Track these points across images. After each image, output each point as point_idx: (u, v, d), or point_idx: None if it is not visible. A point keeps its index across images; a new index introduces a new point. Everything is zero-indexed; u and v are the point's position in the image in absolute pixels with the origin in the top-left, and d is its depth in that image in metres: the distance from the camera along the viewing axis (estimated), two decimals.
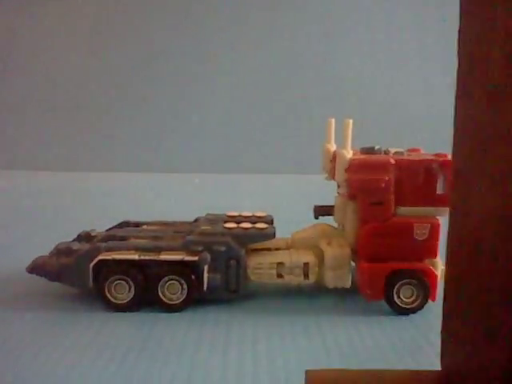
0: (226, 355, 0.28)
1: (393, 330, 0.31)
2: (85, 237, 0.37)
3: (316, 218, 0.38)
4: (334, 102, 1.05)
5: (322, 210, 0.38)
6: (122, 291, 0.33)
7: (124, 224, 0.40)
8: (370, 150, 0.35)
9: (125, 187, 0.80)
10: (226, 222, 0.36)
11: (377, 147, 0.35)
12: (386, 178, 0.32)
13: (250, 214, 0.38)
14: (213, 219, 0.38)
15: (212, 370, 0.26)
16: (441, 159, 0.33)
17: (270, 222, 0.38)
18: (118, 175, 0.90)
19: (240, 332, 0.31)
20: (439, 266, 0.34)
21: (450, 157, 0.33)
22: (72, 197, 0.72)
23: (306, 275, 0.35)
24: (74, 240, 0.37)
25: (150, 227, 0.39)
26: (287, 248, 0.36)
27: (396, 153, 0.35)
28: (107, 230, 0.38)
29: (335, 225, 0.38)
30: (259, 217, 0.38)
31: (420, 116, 1.11)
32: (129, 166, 0.97)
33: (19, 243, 0.48)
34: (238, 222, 0.36)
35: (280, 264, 0.35)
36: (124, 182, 0.84)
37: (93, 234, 0.38)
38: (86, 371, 0.26)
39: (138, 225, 0.39)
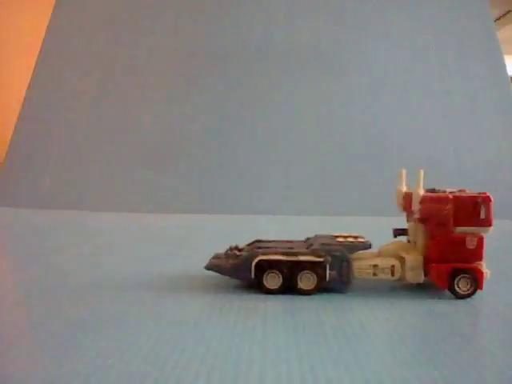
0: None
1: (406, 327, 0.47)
2: (235, 248, 0.55)
3: (395, 237, 0.55)
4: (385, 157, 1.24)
5: (399, 232, 0.55)
6: (274, 281, 0.50)
7: (257, 241, 0.57)
8: (432, 190, 0.52)
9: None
10: (335, 237, 0.53)
11: (436, 188, 0.53)
12: (448, 207, 0.49)
13: (348, 234, 0.55)
14: (322, 237, 0.55)
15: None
16: (483, 196, 0.50)
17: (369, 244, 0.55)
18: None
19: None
20: (484, 267, 0.50)
21: (488, 194, 0.50)
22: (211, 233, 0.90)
23: (393, 274, 0.51)
24: (227, 250, 0.55)
25: (277, 243, 0.56)
26: (377, 257, 0.53)
27: (451, 192, 0.52)
28: (248, 245, 0.56)
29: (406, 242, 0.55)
30: (355, 236, 0.55)
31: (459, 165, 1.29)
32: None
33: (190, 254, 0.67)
34: (345, 237, 0.53)
35: (375, 266, 0.51)
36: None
37: (240, 246, 0.55)
38: (246, 339, 0.38)
39: (267, 242, 0.57)
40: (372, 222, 0.93)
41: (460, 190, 0.53)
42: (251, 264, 0.50)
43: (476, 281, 0.49)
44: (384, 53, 1.45)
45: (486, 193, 0.50)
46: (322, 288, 0.50)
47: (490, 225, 0.50)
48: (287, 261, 0.50)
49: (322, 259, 0.50)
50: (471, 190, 0.53)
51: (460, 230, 0.50)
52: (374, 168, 1.31)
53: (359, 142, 1.35)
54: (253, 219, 1.08)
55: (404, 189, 0.56)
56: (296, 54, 1.44)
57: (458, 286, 0.49)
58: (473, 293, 0.49)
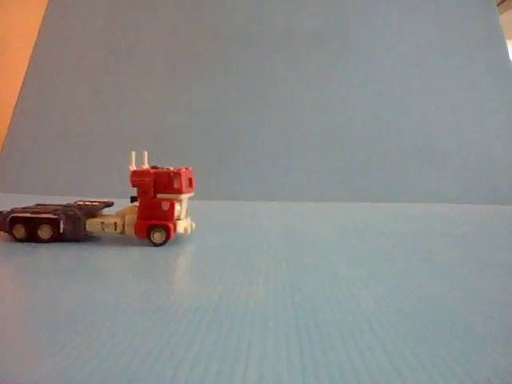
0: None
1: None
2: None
3: (131, 202, 0.72)
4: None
5: (133, 198, 0.72)
6: (21, 232, 0.67)
7: (38, 205, 0.75)
8: (154, 167, 0.69)
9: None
10: (82, 202, 0.71)
11: (159, 166, 0.70)
12: (148, 179, 0.66)
13: (94, 200, 0.73)
14: (74, 202, 0.73)
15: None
16: (176, 171, 0.67)
17: (111, 204, 0.72)
18: None
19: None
20: (183, 223, 0.67)
21: (181, 171, 0.67)
22: None
23: (116, 229, 0.69)
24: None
25: (46, 205, 0.73)
26: (115, 217, 0.70)
27: (167, 168, 0.69)
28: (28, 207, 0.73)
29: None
30: (103, 202, 0.73)
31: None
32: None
33: None
34: (84, 202, 0.71)
35: (103, 223, 0.69)
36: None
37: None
38: None
39: (45, 205, 0.74)
40: (372, 207, 1.06)
41: (186, 168, 0.70)
42: (6, 219, 0.67)
43: (167, 233, 0.66)
44: (385, 40, 1.49)
45: (180, 169, 0.67)
46: (60, 239, 0.68)
47: (180, 193, 0.67)
48: (31, 217, 0.67)
49: (56, 216, 0.67)
50: (189, 167, 0.70)
51: (160, 196, 0.67)
52: (373, 154, 1.37)
53: (358, 129, 1.40)
54: (250, 205, 1.20)
55: (133, 168, 0.72)
56: (296, 39, 1.48)
57: (154, 237, 0.67)
58: (165, 242, 0.66)
